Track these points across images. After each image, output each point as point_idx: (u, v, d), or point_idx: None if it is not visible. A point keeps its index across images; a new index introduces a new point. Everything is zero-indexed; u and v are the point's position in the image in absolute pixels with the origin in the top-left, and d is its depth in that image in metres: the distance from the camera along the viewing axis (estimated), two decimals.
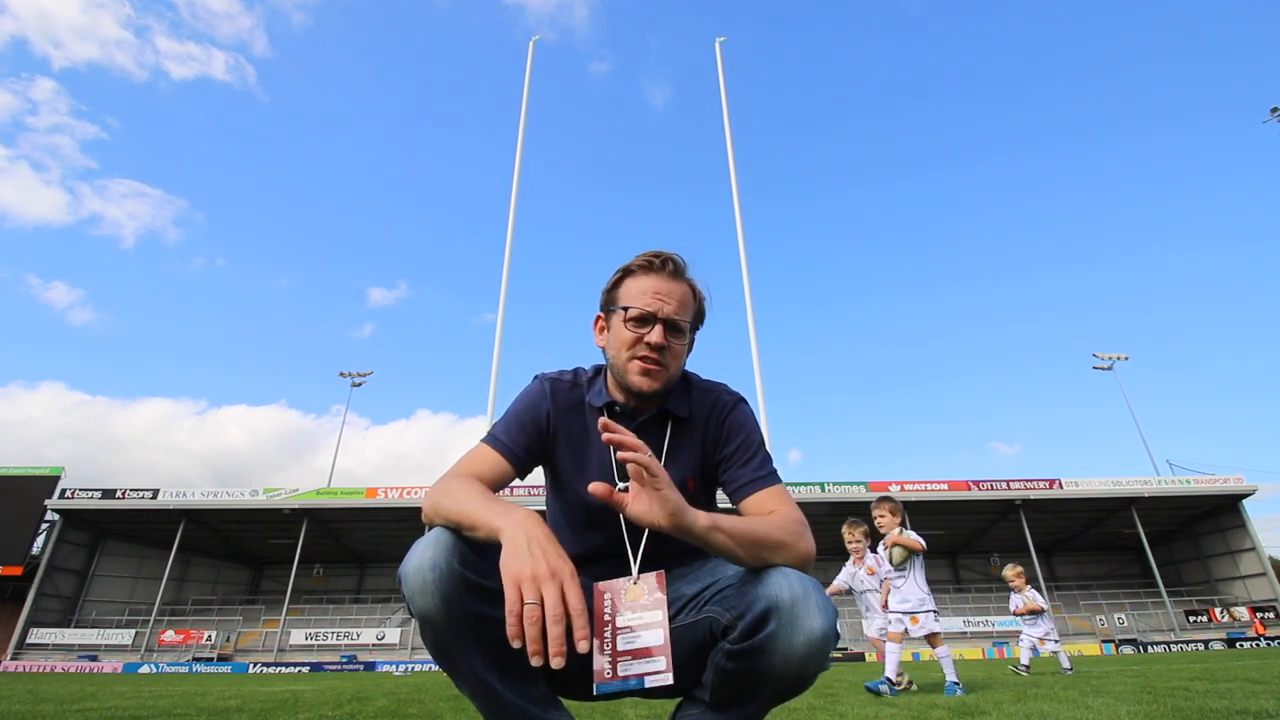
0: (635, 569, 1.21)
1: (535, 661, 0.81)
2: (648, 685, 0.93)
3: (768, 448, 1.30)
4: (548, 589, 0.84)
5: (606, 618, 0.96)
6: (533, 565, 0.86)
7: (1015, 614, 8.65)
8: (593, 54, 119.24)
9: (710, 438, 1.30)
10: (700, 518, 0.97)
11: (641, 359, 1.23)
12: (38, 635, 28.02)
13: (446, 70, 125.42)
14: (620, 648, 0.94)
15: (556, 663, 0.81)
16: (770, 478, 1.23)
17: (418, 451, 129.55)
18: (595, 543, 1.28)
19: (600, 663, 0.93)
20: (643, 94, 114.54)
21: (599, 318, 1.35)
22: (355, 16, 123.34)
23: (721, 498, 1.41)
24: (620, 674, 0.93)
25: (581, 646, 0.82)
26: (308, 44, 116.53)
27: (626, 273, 1.30)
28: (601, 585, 1.01)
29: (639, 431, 1.29)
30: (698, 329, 1.34)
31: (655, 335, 1.22)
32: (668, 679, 0.93)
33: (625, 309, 1.25)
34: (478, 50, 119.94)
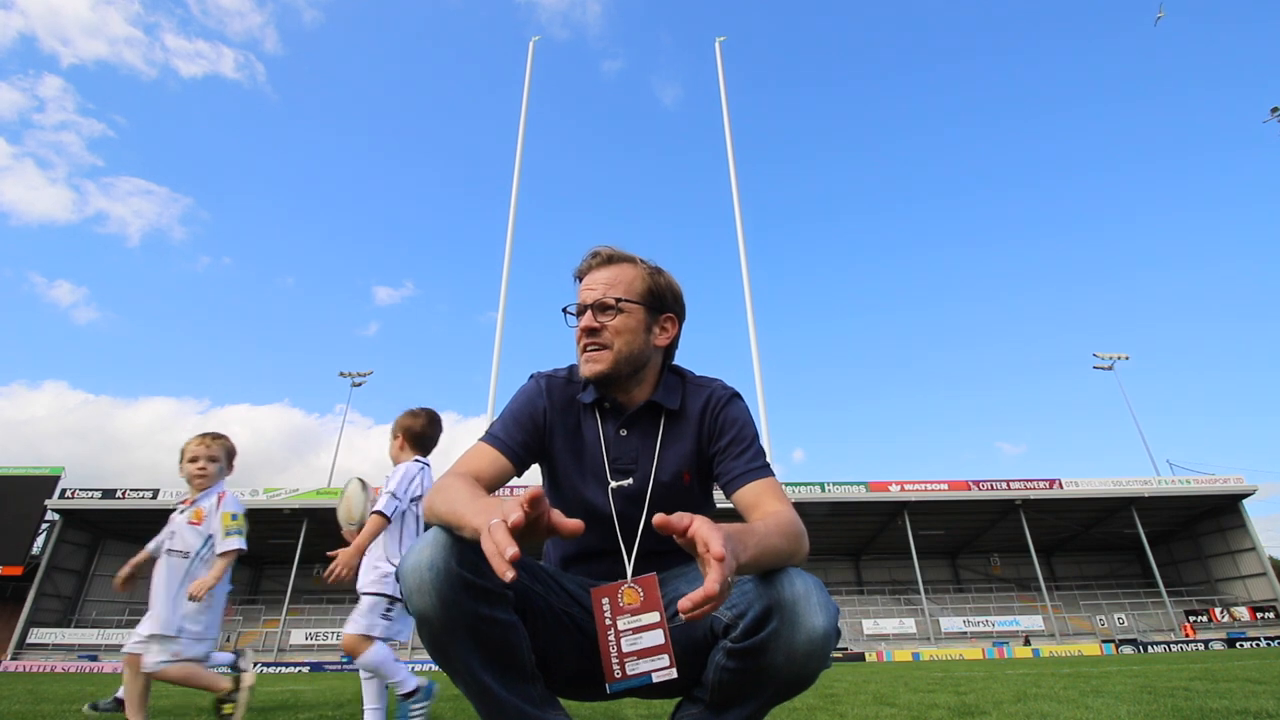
0: (630, 569, 1.22)
1: (505, 577, 0.78)
2: (655, 681, 0.96)
3: (763, 443, 1.31)
4: (499, 522, 0.83)
5: (608, 622, 1.00)
6: (499, 511, 0.87)
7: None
8: (605, 51, 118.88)
9: (705, 432, 1.31)
10: (741, 558, 0.90)
11: (584, 349, 1.29)
12: (38, 635, 28.03)
13: (457, 69, 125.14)
14: (625, 649, 0.98)
15: (515, 515, 0.82)
16: (764, 469, 1.23)
17: None
18: (592, 539, 1.28)
19: (609, 663, 0.97)
20: (653, 92, 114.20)
21: None
22: (366, 15, 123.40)
23: (720, 496, 1.41)
24: (629, 673, 0.97)
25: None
26: (319, 42, 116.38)
27: (576, 280, 1.38)
28: (597, 591, 1.02)
29: (629, 424, 1.31)
30: (656, 304, 1.34)
31: (584, 320, 1.29)
32: (672, 674, 0.95)
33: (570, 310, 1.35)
34: (488, 49, 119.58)
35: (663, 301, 1.36)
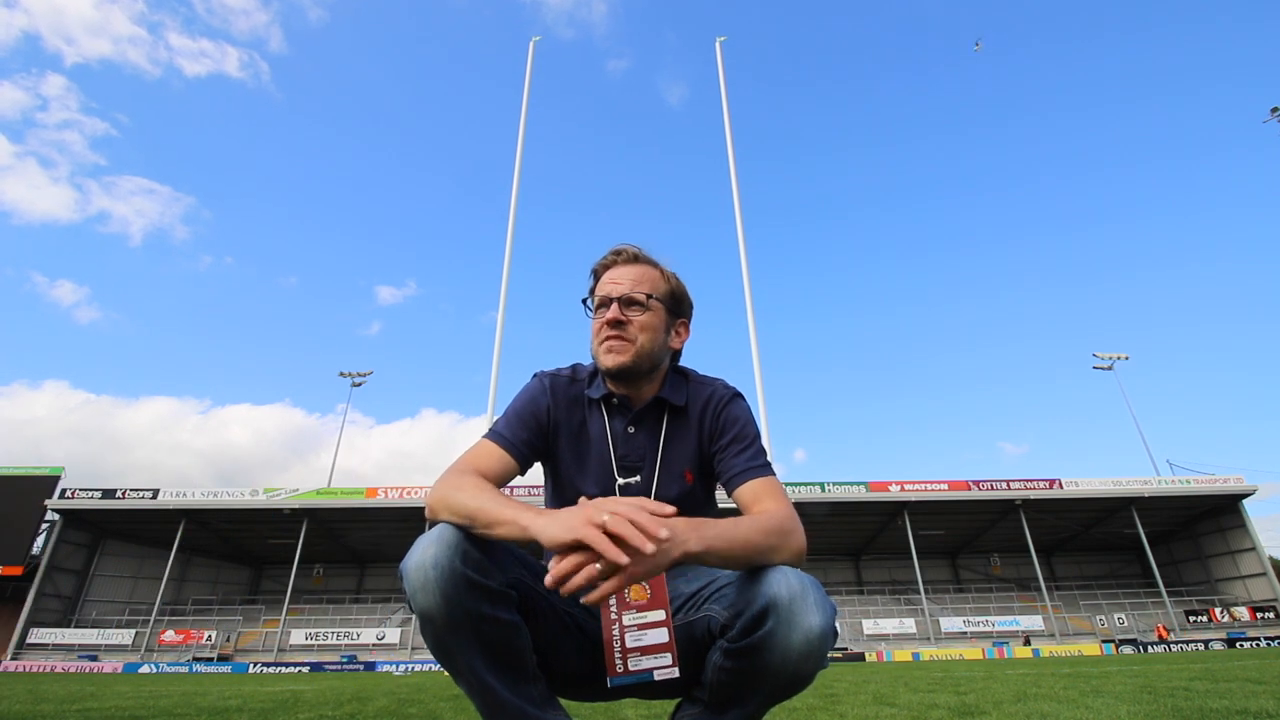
0: None
1: (649, 549, 0.85)
2: (656, 679, 0.96)
3: (763, 443, 1.31)
4: (609, 505, 0.90)
5: (613, 616, 0.99)
6: (582, 508, 0.92)
7: None
8: (610, 50, 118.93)
9: (707, 430, 1.32)
10: (690, 545, 0.94)
11: (605, 340, 1.29)
12: (38, 635, 28.01)
13: (462, 69, 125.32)
14: (629, 644, 0.98)
15: (664, 534, 0.87)
16: (763, 468, 1.23)
17: (422, 450, 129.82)
18: None
19: (612, 658, 0.97)
20: (658, 91, 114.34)
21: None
22: (372, 14, 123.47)
23: (722, 496, 1.41)
24: (631, 668, 0.96)
25: (669, 510, 0.90)
26: (324, 41, 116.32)
27: (594, 275, 1.38)
28: None
29: (636, 422, 1.31)
30: (679, 312, 1.39)
31: (611, 312, 1.29)
32: (674, 673, 0.95)
33: (589, 303, 1.36)
34: (493, 48, 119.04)
35: (681, 306, 1.39)
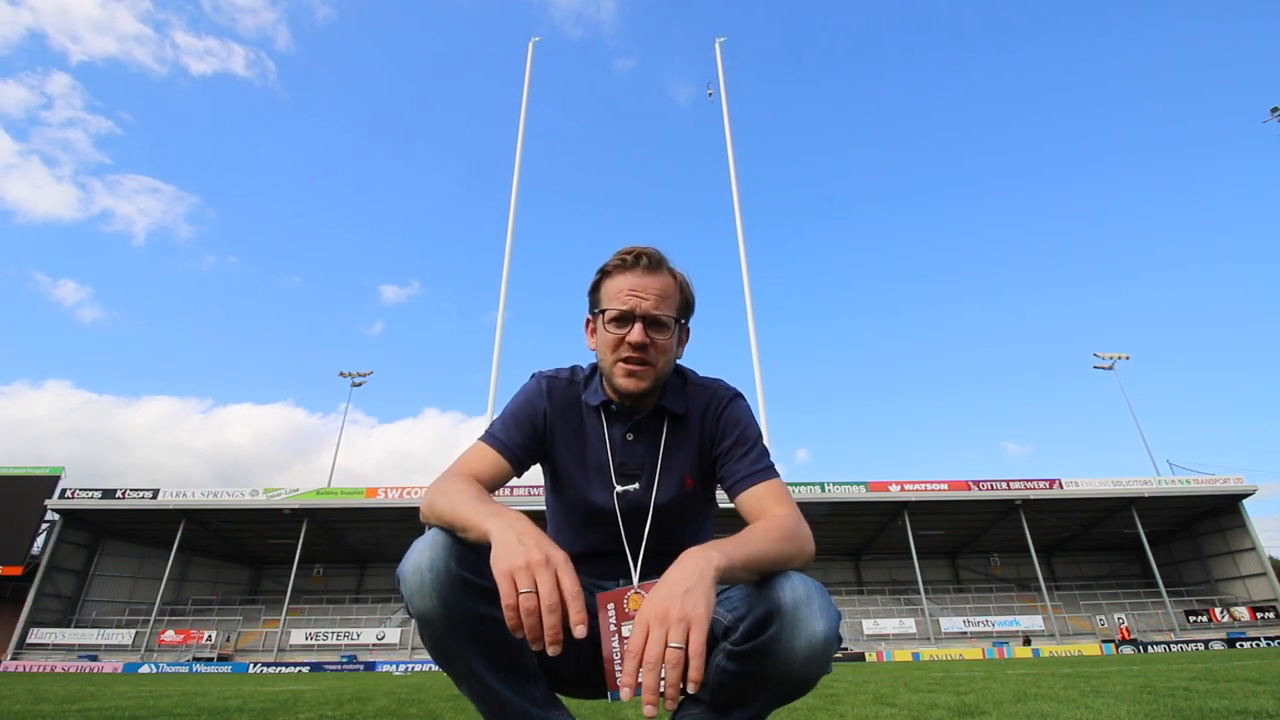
0: (635, 575, 1.21)
1: (535, 648, 0.82)
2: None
3: (765, 443, 1.29)
4: (541, 576, 0.84)
5: (612, 628, 0.98)
6: (525, 554, 0.86)
7: None
8: (618, 49, 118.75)
9: (707, 433, 1.29)
10: (718, 569, 0.92)
11: (625, 360, 1.21)
12: (38, 635, 28.00)
13: (470, 68, 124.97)
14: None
15: (553, 650, 0.81)
16: (767, 471, 1.21)
17: (423, 450, 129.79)
18: (595, 541, 1.28)
19: (612, 670, 0.95)
20: (665, 91, 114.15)
21: (588, 321, 1.33)
22: (379, 13, 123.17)
23: (722, 496, 1.40)
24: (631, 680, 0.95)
25: (578, 631, 0.81)
26: (330, 39, 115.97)
27: (604, 274, 1.27)
28: (604, 596, 1.01)
29: (636, 430, 1.28)
30: (687, 319, 1.31)
31: (635, 334, 1.19)
32: None
33: (604, 311, 1.24)
34: (500, 48, 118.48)
35: (688, 313, 1.32)
